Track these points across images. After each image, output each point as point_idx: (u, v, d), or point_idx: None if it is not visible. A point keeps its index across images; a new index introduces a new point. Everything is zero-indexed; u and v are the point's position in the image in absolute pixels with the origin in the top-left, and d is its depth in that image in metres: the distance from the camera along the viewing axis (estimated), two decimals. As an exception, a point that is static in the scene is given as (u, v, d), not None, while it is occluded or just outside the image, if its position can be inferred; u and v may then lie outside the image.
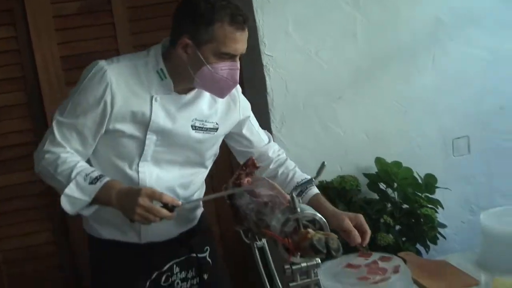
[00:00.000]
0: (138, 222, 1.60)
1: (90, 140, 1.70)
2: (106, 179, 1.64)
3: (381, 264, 1.83)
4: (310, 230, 1.26)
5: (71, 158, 1.67)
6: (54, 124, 1.70)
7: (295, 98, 3.04)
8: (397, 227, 2.85)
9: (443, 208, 2.90)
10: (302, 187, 1.84)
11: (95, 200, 1.63)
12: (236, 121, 1.92)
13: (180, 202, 1.61)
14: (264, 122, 3.04)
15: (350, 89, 3.09)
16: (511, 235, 1.76)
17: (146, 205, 1.55)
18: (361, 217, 1.74)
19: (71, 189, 1.61)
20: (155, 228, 1.75)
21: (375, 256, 1.90)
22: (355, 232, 1.72)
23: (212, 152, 1.91)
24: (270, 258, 1.65)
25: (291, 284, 1.35)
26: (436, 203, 2.88)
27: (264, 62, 3.01)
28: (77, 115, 1.68)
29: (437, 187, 2.94)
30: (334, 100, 3.08)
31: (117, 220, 1.74)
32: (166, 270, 1.88)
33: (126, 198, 1.60)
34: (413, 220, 2.81)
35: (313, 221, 1.31)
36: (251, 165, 1.75)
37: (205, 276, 1.98)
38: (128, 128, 1.71)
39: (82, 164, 1.67)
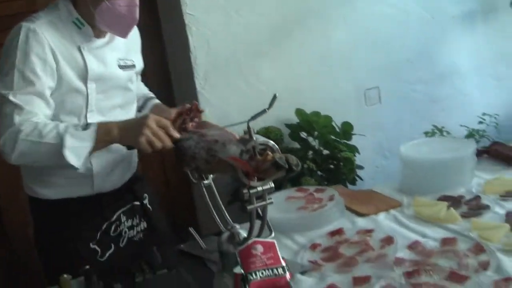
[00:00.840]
0: (140, 148, 1.61)
1: (51, 101, 1.69)
2: (95, 123, 1.66)
3: (316, 195, 2.03)
4: (269, 152, 1.42)
5: (48, 121, 1.64)
6: (6, 102, 1.62)
7: (218, 56, 3.17)
8: (319, 172, 3.09)
9: (359, 153, 3.16)
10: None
11: (95, 145, 1.62)
12: (140, 59, 2.00)
13: (178, 135, 1.66)
14: (188, 79, 3.15)
15: (270, 46, 3.26)
16: (426, 162, 2.01)
17: (154, 128, 1.58)
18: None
19: (70, 141, 1.58)
20: (106, 176, 1.84)
21: (311, 189, 2.09)
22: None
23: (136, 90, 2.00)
24: (217, 194, 1.79)
25: (248, 207, 1.50)
26: (353, 149, 3.13)
27: (186, 21, 3.10)
28: (30, 81, 1.64)
29: (353, 134, 3.20)
30: (255, 56, 3.23)
31: (68, 178, 1.79)
32: (115, 220, 1.94)
33: (132, 124, 1.64)
34: (333, 165, 3.05)
35: (264, 148, 1.46)
36: (195, 110, 1.86)
37: (147, 223, 2.06)
38: (71, 82, 1.73)
39: (62, 123, 1.66)
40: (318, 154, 3.07)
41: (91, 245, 1.87)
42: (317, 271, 1.62)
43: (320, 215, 1.88)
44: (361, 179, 3.10)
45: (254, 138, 1.45)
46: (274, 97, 1.45)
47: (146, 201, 2.06)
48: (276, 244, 1.60)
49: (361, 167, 3.08)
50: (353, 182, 3.03)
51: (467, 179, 2.03)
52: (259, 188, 1.49)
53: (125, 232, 1.97)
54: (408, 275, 1.45)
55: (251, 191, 1.49)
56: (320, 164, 3.03)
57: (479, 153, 2.22)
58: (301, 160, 2.96)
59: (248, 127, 1.45)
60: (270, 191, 1.52)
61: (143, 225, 2.05)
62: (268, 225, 1.82)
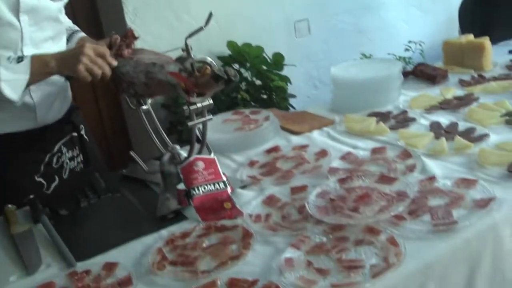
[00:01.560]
0: (80, 76, 1.60)
1: None
2: (29, 55, 1.63)
3: (252, 116, 2.09)
4: (207, 67, 1.45)
5: None
6: None
7: (147, -10, 3.12)
8: (253, 103, 3.15)
9: (291, 83, 3.24)
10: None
11: (32, 77, 1.61)
12: None
13: (115, 62, 1.66)
14: (118, 14, 3.09)
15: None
16: (356, 82, 2.10)
17: (92, 55, 1.58)
18: None
19: (4, 74, 1.58)
20: (48, 108, 1.83)
21: (247, 111, 2.15)
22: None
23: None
24: (155, 118, 1.81)
25: (189, 123, 1.54)
26: (285, 79, 3.20)
27: (113, -46, 3.02)
28: None
29: (285, 65, 3.26)
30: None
31: (10, 113, 1.75)
32: (56, 152, 1.94)
33: (69, 54, 1.62)
34: (266, 95, 3.12)
35: (202, 65, 1.49)
36: (130, 36, 1.85)
37: (84, 154, 2.07)
38: (3, 15, 1.66)
39: None
40: (251, 85, 3.12)
41: (36, 178, 1.88)
42: (256, 185, 1.69)
43: (257, 134, 1.95)
44: (293, 108, 3.19)
45: (192, 56, 1.48)
46: (210, 15, 1.47)
47: (82, 132, 2.06)
48: (216, 160, 1.66)
49: (293, 96, 3.16)
50: (286, 111, 3.11)
51: (394, 96, 2.14)
52: (199, 105, 1.53)
53: (66, 164, 1.98)
54: (342, 181, 1.55)
55: (191, 107, 1.52)
56: (253, 95, 3.08)
57: (405, 74, 2.34)
58: (235, 92, 3.07)
59: (186, 45, 1.47)
60: (209, 108, 1.56)
61: (82, 156, 2.06)
62: (207, 146, 1.87)
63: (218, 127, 2.02)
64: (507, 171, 1.48)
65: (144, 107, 1.77)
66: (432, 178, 1.50)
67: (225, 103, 3.05)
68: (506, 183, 1.45)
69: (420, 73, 2.33)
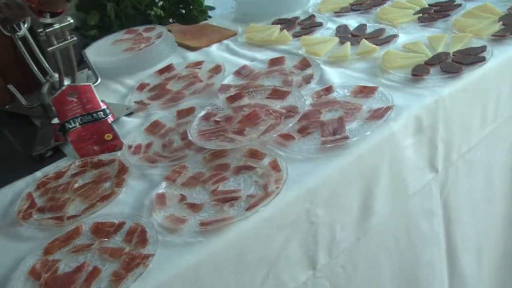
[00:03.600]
0: None
1: None
2: None
3: (145, 34, 1.87)
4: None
5: None
6: None
7: None
8: (171, 20, 2.89)
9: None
10: None
11: None
12: None
13: None
14: None
15: None
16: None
17: None
18: None
19: None
20: None
21: (140, 29, 1.92)
22: None
23: None
24: (34, 44, 1.59)
25: (49, 49, 1.33)
26: (203, -12, 2.93)
27: None
28: None
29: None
30: None
31: None
32: None
33: None
34: (183, 9, 2.86)
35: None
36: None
37: None
38: None
39: None
40: (166, 0, 2.85)
41: None
42: (143, 110, 1.51)
43: (148, 54, 1.74)
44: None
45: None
46: None
47: None
48: (93, 87, 1.46)
49: (212, 8, 2.91)
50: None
51: (303, 1, 1.93)
52: (56, 26, 1.31)
53: None
54: (230, 100, 1.37)
55: (47, 30, 1.30)
56: (169, 10, 2.82)
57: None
58: (148, 8, 2.81)
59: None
60: (70, 27, 1.34)
61: None
62: (93, 71, 1.67)
63: (107, 49, 1.81)
64: (411, 75, 1.32)
65: (20, 32, 1.55)
66: (328, 89, 1.34)
67: (137, 21, 2.79)
68: (409, 88, 1.29)
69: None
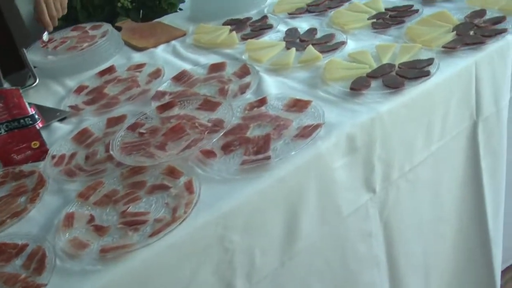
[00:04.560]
0: None
1: None
2: None
3: (91, 32, 1.78)
4: None
5: None
6: None
7: None
8: (142, 11, 2.80)
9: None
10: None
11: None
12: None
13: None
14: None
15: None
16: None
17: None
18: None
19: None
20: None
21: (88, 26, 1.84)
22: None
23: None
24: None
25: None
26: (173, -21, 2.83)
27: None
28: None
29: (175, -35, 2.88)
30: None
31: None
32: None
33: None
34: (151, 1, 2.76)
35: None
36: None
37: None
38: None
39: None
40: (135, -10, 2.76)
41: None
42: (76, 116, 1.43)
43: (91, 54, 1.65)
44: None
45: None
46: None
47: None
48: (21, 92, 1.38)
49: (182, 1, 2.81)
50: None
51: (259, 1, 1.84)
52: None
53: None
54: (160, 109, 1.29)
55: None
56: (137, 1, 2.73)
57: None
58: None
59: None
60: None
61: None
62: (31, 71, 1.59)
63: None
64: (349, 89, 1.23)
65: None
66: (262, 101, 1.25)
67: (104, 12, 2.70)
68: (345, 103, 1.21)
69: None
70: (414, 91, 1.21)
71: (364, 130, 1.15)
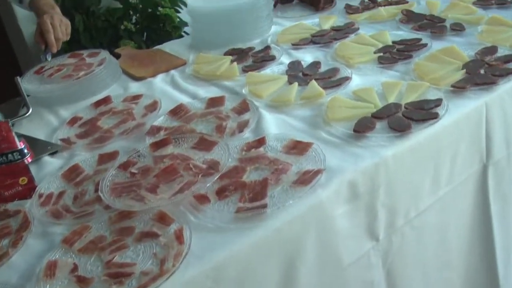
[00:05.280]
0: None
1: None
2: None
3: (88, 60, 1.73)
4: None
5: None
6: None
7: None
8: (146, 33, 2.76)
9: (185, 5, 2.81)
10: None
11: None
12: None
13: None
14: None
15: None
16: (213, 12, 1.73)
17: None
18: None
19: None
20: None
21: (85, 53, 1.78)
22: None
23: None
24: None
25: None
26: (177, 1, 2.79)
27: None
28: None
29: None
30: None
31: None
32: None
33: None
34: (155, 23, 2.72)
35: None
36: None
37: None
38: None
39: None
40: (138, 12, 2.72)
41: None
42: (68, 150, 1.37)
43: (86, 83, 1.60)
44: (188, 34, 2.79)
45: None
46: None
47: None
48: (10, 125, 1.32)
49: (186, 24, 2.76)
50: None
51: (263, 28, 1.79)
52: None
53: None
54: (154, 147, 1.23)
55: None
56: (140, 24, 2.69)
57: (286, -1, 1.98)
58: (120, 21, 2.67)
59: None
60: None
61: None
62: (25, 100, 1.54)
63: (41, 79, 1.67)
64: (352, 131, 1.17)
65: None
66: (261, 141, 1.19)
67: (107, 35, 2.66)
68: (348, 147, 1.15)
69: (304, -3, 1.97)
70: (421, 135, 1.15)
71: (367, 176, 1.09)
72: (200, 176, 1.09)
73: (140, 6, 2.73)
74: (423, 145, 1.15)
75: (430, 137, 1.16)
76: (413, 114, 1.18)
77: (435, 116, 1.16)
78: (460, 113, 1.20)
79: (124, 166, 1.20)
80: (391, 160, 1.11)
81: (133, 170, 1.17)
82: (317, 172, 1.05)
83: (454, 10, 1.69)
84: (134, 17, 2.77)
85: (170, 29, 2.71)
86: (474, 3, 1.74)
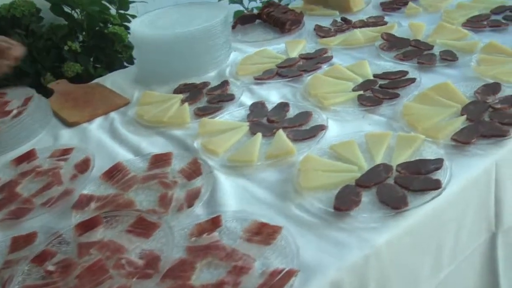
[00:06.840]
0: None
1: None
2: None
3: (12, 102, 1.43)
4: None
5: None
6: None
7: None
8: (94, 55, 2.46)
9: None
10: None
11: None
12: None
13: None
14: None
15: None
16: (160, 39, 1.45)
17: None
18: None
19: None
20: None
21: (9, 92, 1.49)
22: None
23: None
24: None
25: None
26: (127, 16, 2.50)
27: None
28: None
29: (132, 1, 2.55)
30: None
31: None
32: None
33: None
34: (103, 42, 2.42)
35: None
36: None
37: None
38: None
39: None
40: (84, 31, 2.42)
41: None
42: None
43: (7, 134, 1.31)
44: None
45: None
46: None
47: None
48: None
49: (137, 43, 2.48)
50: (131, 61, 2.43)
51: (220, 58, 1.52)
52: None
53: None
54: (80, 229, 0.96)
55: None
56: (86, 44, 2.39)
57: (250, 19, 1.71)
58: (63, 41, 2.38)
59: None
60: None
61: None
62: None
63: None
64: (333, 209, 0.91)
65: None
66: (215, 221, 0.93)
67: (50, 57, 2.35)
68: (328, 230, 0.89)
69: (267, 17, 1.71)
70: (421, 211, 0.90)
71: (355, 273, 0.83)
72: (134, 279, 0.83)
73: (88, 23, 2.44)
74: (423, 224, 0.91)
75: (431, 212, 0.91)
76: (409, 182, 0.93)
77: (437, 186, 0.91)
78: (466, 178, 0.96)
79: (40, 259, 0.92)
80: (385, 249, 0.86)
81: (50, 268, 0.90)
82: (289, 274, 0.80)
83: (442, 34, 1.46)
84: (80, 36, 2.48)
85: (120, 48, 2.42)
86: (464, 25, 1.51)
